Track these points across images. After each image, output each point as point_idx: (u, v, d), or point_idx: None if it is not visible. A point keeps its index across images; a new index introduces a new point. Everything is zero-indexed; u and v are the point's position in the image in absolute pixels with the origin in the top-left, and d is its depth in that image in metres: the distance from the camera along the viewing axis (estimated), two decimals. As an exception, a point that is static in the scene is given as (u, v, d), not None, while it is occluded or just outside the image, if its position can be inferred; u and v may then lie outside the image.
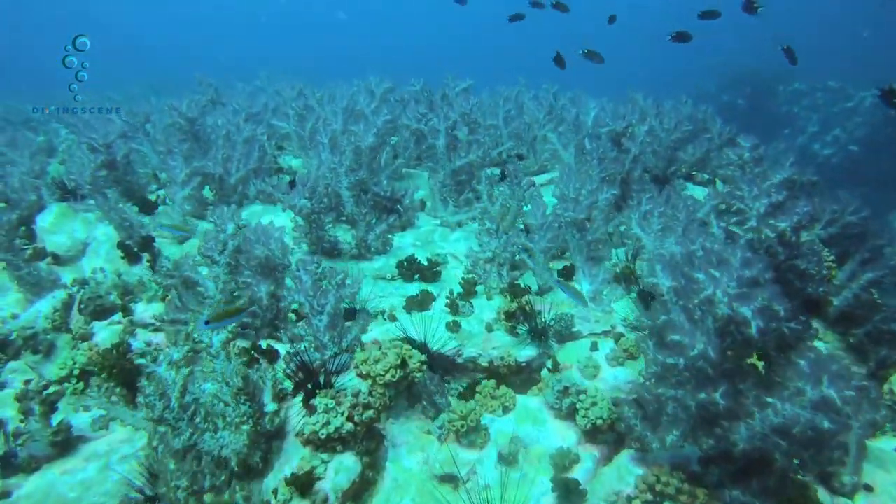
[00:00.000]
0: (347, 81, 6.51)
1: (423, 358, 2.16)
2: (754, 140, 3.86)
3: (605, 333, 2.68)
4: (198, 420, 1.86)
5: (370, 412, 1.94)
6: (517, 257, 3.40)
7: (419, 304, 2.91)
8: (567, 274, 3.30)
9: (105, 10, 33.74)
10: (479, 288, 3.23)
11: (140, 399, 1.77)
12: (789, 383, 1.56)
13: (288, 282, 2.85)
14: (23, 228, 4.07)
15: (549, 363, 2.52)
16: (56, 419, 2.57)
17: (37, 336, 3.22)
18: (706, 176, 5.08)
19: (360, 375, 2.11)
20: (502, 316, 2.76)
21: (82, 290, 3.41)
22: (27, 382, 3.05)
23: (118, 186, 4.21)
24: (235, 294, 2.71)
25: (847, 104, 12.45)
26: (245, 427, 2.02)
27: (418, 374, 2.12)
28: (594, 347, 2.53)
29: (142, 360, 2.08)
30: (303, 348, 2.35)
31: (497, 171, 4.77)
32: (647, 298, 3.00)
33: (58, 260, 3.92)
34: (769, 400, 1.62)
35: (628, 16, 5.72)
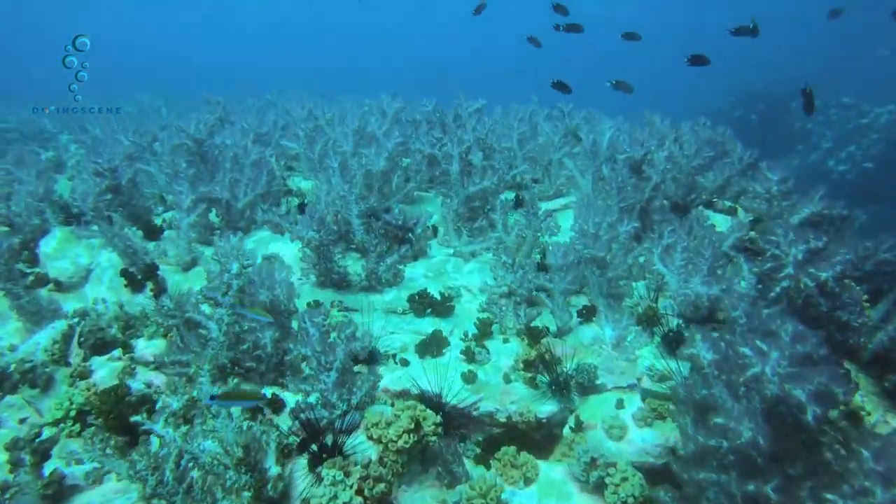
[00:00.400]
0: (355, 92, 6.41)
1: (438, 420, 2.01)
2: (783, 173, 3.69)
3: (631, 387, 2.51)
4: (195, 492, 1.72)
5: (382, 486, 1.79)
6: (535, 293, 3.25)
7: (433, 352, 2.75)
8: (588, 314, 3.14)
9: (106, 10, 34.02)
10: (495, 327, 3.08)
11: (131, 473, 1.63)
12: (853, 481, 1.39)
13: (294, 323, 2.71)
14: (25, 253, 3.97)
15: (571, 421, 2.35)
16: (49, 467, 2.45)
17: (35, 369, 3.10)
18: (727, 203, 4.90)
19: (370, 439, 1.97)
20: (521, 365, 2.61)
21: (83, 322, 3.29)
22: (22, 421, 2.94)
23: (123, 210, 4.11)
24: (240, 336, 2.57)
25: (862, 121, 12.26)
26: (246, 494, 1.88)
27: (433, 438, 1.97)
28: (620, 405, 2.37)
29: (137, 418, 1.95)
30: (311, 402, 2.21)
31: (512, 195, 4.63)
32: (672, 343, 2.84)
33: (60, 287, 3.81)
34: (828, 496, 1.45)
35: (628, 25, 5.58)
